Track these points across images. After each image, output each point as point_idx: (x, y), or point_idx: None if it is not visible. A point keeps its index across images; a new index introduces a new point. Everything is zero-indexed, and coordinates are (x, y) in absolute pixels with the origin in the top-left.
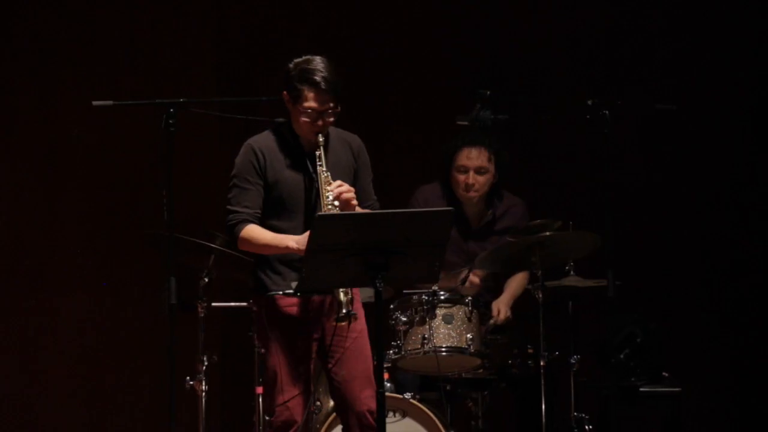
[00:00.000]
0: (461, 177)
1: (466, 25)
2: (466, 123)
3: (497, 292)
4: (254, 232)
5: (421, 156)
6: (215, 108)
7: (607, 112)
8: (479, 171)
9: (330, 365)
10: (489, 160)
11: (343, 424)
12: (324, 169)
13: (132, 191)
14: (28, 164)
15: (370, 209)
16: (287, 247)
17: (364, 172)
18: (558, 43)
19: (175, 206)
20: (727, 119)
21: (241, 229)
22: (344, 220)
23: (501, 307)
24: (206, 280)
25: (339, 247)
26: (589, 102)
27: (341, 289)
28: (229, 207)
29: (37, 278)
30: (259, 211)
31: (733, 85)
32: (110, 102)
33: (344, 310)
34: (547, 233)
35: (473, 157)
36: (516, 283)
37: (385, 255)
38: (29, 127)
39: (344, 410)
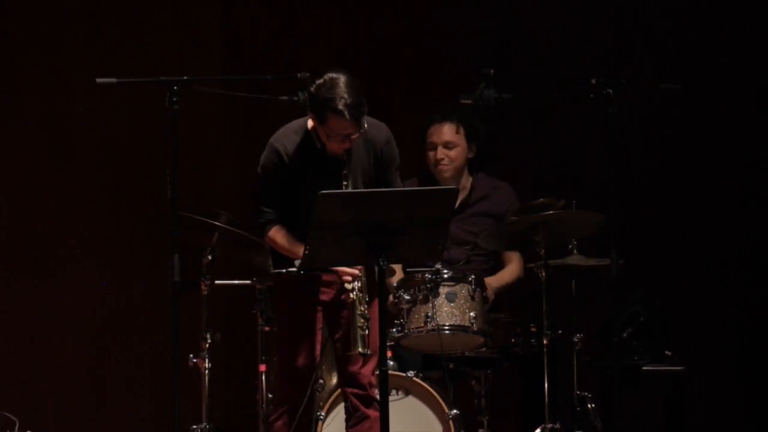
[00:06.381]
0: (431, 154)
1: (470, 3)
2: (469, 102)
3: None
4: (279, 236)
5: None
6: (219, 86)
7: (611, 91)
8: (447, 146)
9: (337, 336)
10: (457, 132)
11: (344, 396)
12: (350, 190)
13: (136, 169)
14: (32, 142)
15: None
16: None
17: (388, 165)
18: (563, 22)
19: (179, 184)
20: (734, 99)
21: (269, 230)
22: (346, 198)
23: (486, 291)
24: (210, 258)
25: (341, 225)
26: (593, 81)
27: (359, 323)
28: (257, 205)
29: (42, 256)
30: (287, 211)
31: (741, 65)
32: (114, 79)
33: (359, 350)
34: (550, 212)
35: (440, 132)
36: (508, 271)
37: (387, 234)
38: (33, 105)
39: (346, 382)
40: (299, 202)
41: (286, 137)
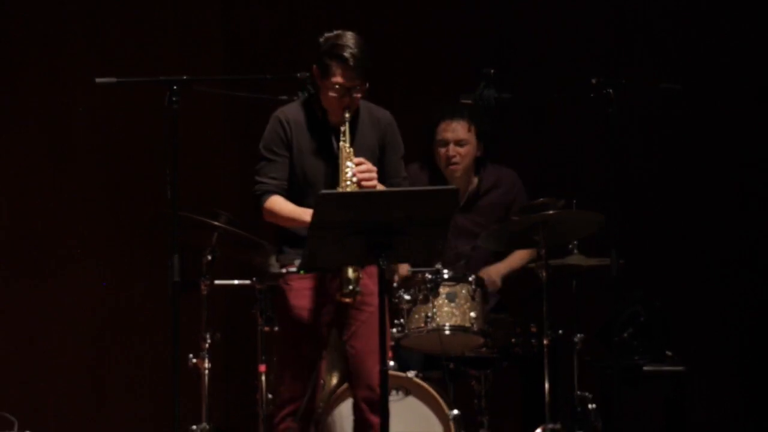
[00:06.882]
0: (442, 150)
1: (470, 3)
2: (470, 102)
3: None
4: (277, 203)
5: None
6: (219, 86)
7: (611, 90)
8: (459, 143)
9: (345, 337)
10: (468, 130)
11: (353, 396)
12: (347, 145)
13: (136, 169)
14: (32, 142)
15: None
16: (306, 222)
17: (392, 148)
18: (563, 22)
19: (179, 184)
20: (734, 99)
21: (266, 200)
22: (346, 198)
23: (492, 275)
24: (210, 258)
25: (341, 225)
26: (593, 80)
27: (351, 267)
28: (255, 177)
29: (42, 256)
30: (286, 183)
31: (741, 65)
32: (114, 79)
33: (350, 287)
34: (551, 212)
35: (452, 129)
36: (517, 256)
37: (387, 234)
38: (33, 105)
39: (356, 381)
40: (297, 172)
41: (287, 108)
